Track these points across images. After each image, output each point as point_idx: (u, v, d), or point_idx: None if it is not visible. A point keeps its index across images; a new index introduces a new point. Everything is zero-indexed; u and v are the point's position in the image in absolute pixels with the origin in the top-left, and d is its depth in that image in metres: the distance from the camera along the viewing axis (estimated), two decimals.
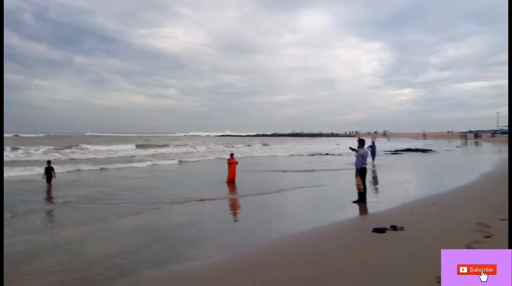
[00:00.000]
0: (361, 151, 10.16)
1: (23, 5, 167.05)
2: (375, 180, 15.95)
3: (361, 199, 9.99)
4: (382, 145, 51.35)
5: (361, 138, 10.77)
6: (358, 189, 10.00)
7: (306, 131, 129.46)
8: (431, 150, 36.18)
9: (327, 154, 33.97)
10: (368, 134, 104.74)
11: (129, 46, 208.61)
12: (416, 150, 37.12)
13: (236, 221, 8.98)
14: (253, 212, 9.86)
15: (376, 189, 13.50)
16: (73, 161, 24.13)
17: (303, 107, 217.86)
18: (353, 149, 10.61)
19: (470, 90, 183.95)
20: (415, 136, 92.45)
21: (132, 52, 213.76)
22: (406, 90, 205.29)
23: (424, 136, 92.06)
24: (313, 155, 33.46)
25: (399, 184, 14.43)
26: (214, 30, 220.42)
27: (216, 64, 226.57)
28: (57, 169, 15.09)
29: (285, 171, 19.76)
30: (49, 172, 13.20)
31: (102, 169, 19.62)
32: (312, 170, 19.77)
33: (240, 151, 39.08)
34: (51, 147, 32.76)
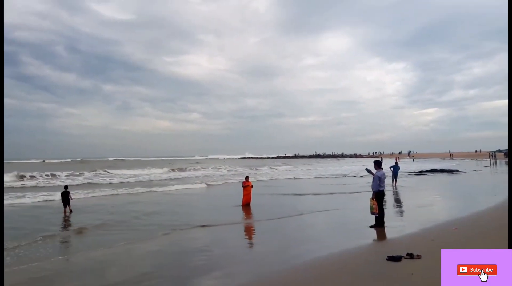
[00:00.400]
0: (378, 173, 9.77)
1: (56, 38, 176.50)
2: (396, 203, 15.36)
3: (379, 224, 9.55)
4: (406, 165, 50.06)
5: (377, 159, 10.37)
6: (372, 212, 9.58)
7: (328, 152, 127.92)
8: (457, 171, 34.79)
9: (354, 176, 32.74)
10: (392, 154, 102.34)
11: (154, 74, 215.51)
12: (442, 170, 35.72)
13: (242, 248, 8.65)
14: (262, 239, 9.61)
15: (396, 212, 12.94)
16: (94, 185, 24.59)
17: (326, 129, 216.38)
18: (369, 171, 10.22)
19: (497, 108, 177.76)
20: (441, 156, 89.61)
21: (157, 79, 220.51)
22: (431, 110, 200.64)
23: (451, 156, 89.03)
24: (339, 176, 32.75)
25: (421, 207, 13.78)
26: (236, 56, 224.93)
27: (238, 88, 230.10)
28: (79, 194, 15.34)
29: (302, 194, 19.34)
30: (65, 196, 13.40)
31: (129, 193, 19.79)
32: (332, 193, 19.27)
33: (261, 173, 39.04)
34: (76, 172, 33.44)
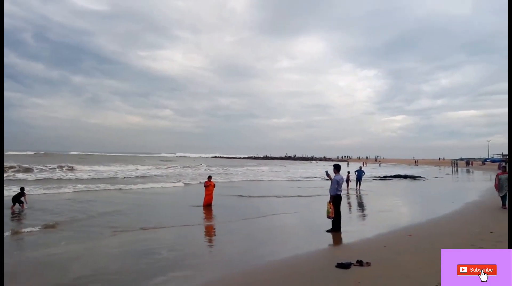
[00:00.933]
0: (336, 177, 9.63)
1: (25, 25, 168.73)
2: (357, 207, 15.43)
3: (335, 228, 9.44)
4: (372, 170, 51.22)
5: (337, 163, 10.23)
6: (328, 216, 9.46)
7: (299, 155, 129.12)
8: (420, 177, 35.81)
9: (326, 179, 32.91)
10: (359, 159, 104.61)
11: (127, 67, 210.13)
12: (406, 176, 36.73)
13: (187, 253, 8.17)
14: (213, 242, 9.32)
15: (356, 217, 12.95)
16: (53, 181, 23.42)
17: (298, 131, 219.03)
18: (328, 175, 10.12)
19: (462, 118, 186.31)
20: (407, 162, 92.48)
21: (130, 73, 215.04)
22: (400, 117, 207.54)
23: (416, 162, 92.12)
24: (309, 178, 32.83)
25: (381, 212, 13.88)
26: (212, 53, 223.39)
27: (212, 87, 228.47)
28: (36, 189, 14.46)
29: (268, 196, 19.14)
30: (17, 198, 12.84)
31: (88, 190, 18.97)
32: (292, 196, 19.20)
33: (237, 173, 38.89)
34: (37, 165, 31.66)
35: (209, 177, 15.10)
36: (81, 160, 50.29)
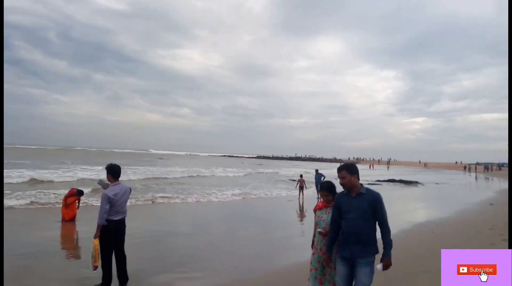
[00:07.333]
0: (105, 192, 5.15)
1: (49, 24, 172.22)
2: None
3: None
4: (372, 173, 46.81)
5: (113, 165, 5.36)
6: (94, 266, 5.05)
7: (311, 155, 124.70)
8: (416, 182, 31.30)
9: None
10: (371, 161, 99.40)
11: (147, 66, 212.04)
12: (400, 181, 32.26)
13: None
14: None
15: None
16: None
17: (316, 132, 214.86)
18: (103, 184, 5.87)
19: (484, 121, 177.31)
20: (419, 166, 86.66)
21: (149, 71, 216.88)
22: (419, 119, 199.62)
23: (425, 165, 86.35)
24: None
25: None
26: (230, 53, 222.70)
27: (230, 86, 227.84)
28: None
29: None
30: None
31: None
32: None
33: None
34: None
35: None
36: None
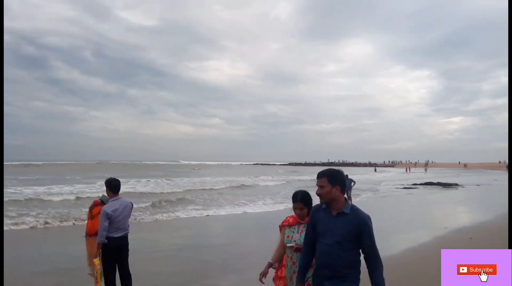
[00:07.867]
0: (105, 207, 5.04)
1: (84, 44, 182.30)
2: None
3: None
4: (408, 176, 45.52)
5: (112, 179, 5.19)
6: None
7: (347, 160, 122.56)
8: (456, 185, 30.10)
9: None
10: (406, 163, 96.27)
11: (177, 79, 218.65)
12: (438, 183, 31.08)
13: None
14: None
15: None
16: None
17: (348, 136, 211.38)
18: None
19: None
20: (457, 167, 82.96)
21: (180, 84, 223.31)
22: (457, 118, 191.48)
23: (465, 166, 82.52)
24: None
25: None
26: (258, 62, 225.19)
27: (259, 94, 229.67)
28: None
29: None
30: None
31: None
32: None
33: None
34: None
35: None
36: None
